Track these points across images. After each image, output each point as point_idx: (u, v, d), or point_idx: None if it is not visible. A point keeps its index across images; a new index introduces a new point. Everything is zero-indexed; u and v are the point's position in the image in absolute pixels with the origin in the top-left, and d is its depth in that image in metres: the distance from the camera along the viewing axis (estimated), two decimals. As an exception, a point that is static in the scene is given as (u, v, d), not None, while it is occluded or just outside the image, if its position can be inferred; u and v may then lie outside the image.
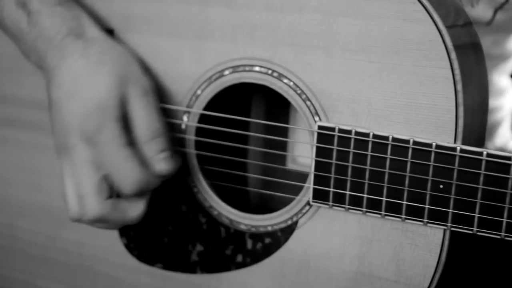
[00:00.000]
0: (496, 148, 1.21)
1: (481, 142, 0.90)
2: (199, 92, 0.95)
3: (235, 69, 0.92)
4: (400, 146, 0.84)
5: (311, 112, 0.88)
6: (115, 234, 1.04)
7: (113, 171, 0.87)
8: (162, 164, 0.89)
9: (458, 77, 0.81)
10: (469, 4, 1.00)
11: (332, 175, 0.88)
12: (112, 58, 0.91)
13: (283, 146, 1.03)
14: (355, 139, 0.86)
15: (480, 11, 1.02)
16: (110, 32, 0.98)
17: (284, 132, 1.03)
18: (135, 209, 0.91)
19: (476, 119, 0.87)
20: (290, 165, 1.04)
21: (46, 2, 0.93)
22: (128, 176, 0.87)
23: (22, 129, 1.10)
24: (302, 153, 1.02)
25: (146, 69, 0.96)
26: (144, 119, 0.89)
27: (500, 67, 1.18)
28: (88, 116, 0.87)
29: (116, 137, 0.87)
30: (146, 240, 1.02)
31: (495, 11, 1.02)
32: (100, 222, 0.91)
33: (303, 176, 0.93)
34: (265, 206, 1.03)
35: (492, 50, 1.12)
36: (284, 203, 0.94)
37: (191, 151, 0.97)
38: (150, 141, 0.89)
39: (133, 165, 0.87)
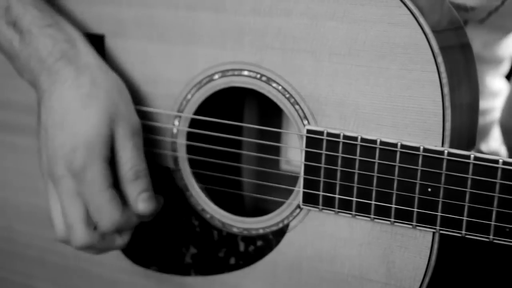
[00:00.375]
0: (490, 150, 1.21)
1: (471, 145, 0.90)
2: (189, 96, 0.95)
3: (224, 73, 0.92)
4: (388, 150, 0.84)
5: (299, 116, 0.89)
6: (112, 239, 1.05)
7: (94, 209, 0.89)
8: (143, 204, 0.90)
9: (444, 80, 0.81)
10: (462, 10, 1.00)
11: (322, 179, 0.88)
12: (104, 92, 0.90)
13: (276, 149, 1.03)
14: (344, 142, 0.86)
15: (474, 15, 1.01)
16: (100, 37, 0.98)
17: (278, 136, 1.03)
18: (122, 239, 0.94)
19: (466, 122, 0.86)
20: (284, 166, 1.05)
21: (36, 23, 0.93)
22: (107, 217, 0.89)
23: (19, 133, 1.11)
24: (295, 156, 1.02)
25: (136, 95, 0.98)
26: (130, 160, 0.90)
27: (494, 68, 1.17)
28: (75, 151, 0.87)
29: (101, 178, 0.88)
30: (141, 243, 1.03)
31: (489, 13, 1.01)
32: (87, 250, 0.93)
33: (296, 179, 0.93)
34: (259, 209, 1.03)
35: (485, 51, 1.12)
36: (278, 205, 0.94)
37: (183, 155, 0.98)
38: (134, 181, 0.90)
39: (114, 207, 0.89)
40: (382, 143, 0.84)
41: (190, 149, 0.97)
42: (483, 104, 1.14)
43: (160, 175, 0.99)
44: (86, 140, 0.87)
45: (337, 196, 0.87)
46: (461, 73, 0.86)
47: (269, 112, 1.02)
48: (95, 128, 0.88)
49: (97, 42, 0.99)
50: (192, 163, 0.98)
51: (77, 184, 0.88)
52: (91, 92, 0.89)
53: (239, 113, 1.04)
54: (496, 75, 1.19)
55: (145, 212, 0.90)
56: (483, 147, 1.19)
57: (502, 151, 1.24)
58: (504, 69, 1.21)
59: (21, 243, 1.14)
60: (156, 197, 0.93)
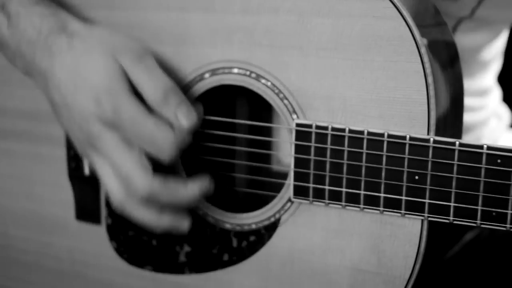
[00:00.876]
0: None
1: (457, 135, 0.92)
2: (181, 96, 0.97)
3: (214, 72, 0.95)
4: (375, 140, 0.86)
5: (288, 110, 0.91)
6: (105, 238, 1.06)
7: (146, 141, 0.86)
8: (185, 117, 0.87)
9: (428, 70, 0.83)
10: (451, 0, 1.02)
11: (311, 171, 0.90)
12: (97, 41, 0.90)
13: (267, 144, 1.05)
14: (332, 134, 0.88)
15: (463, 5, 1.03)
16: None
17: (268, 131, 1.05)
18: (188, 190, 0.90)
19: (451, 112, 0.89)
20: (276, 164, 1.07)
21: (25, 2, 0.93)
22: (163, 142, 0.85)
23: (14, 139, 1.12)
24: (285, 150, 1.04)
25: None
26: (149, 82, 0.87)
27: (484, 67, 1.20)
28: (100, 101, 0.86)
29: (136, 109, 0.86)
30: (135, 243, 1.04)
31: (479, 2, 1.02)
32: (151, 202, 0.88)
33: (286, 174, 0.95)
34: (252, 204, 1.05)
35: (476, 54, 1.14)
36: (270, 200, 0.96)
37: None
38: (164, 100, 0.87)
39: (164, 127, 0.86)
40: (369, 133, 0.86)
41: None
42: (473, 101, 1.17)
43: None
44: (104, 86, 0.87)
45: (327, 187, 0.89)
46: (446, 65, 0.88)
47: (259, 108, 1.04)
48: (105, 72, 0.87)
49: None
50: (184, 162, 1.00)
51: (118, 131, 0.87)
52: (86, 48, 0.89)
53: (230, 111, 1.06)
54: (486, 74, 1.21)
55: (190, 125, 0.87)
56: None
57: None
58: (495, 67, 1.24)
59: (17, 248, 1.15)
60: (195, 106, 0.90)
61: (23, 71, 0.96)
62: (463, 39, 0.99)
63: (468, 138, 1.18)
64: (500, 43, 1.20)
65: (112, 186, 0.89)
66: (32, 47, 0.92)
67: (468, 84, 1.11)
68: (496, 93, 1.29)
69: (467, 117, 1.09)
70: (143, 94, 0.87)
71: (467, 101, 0.97)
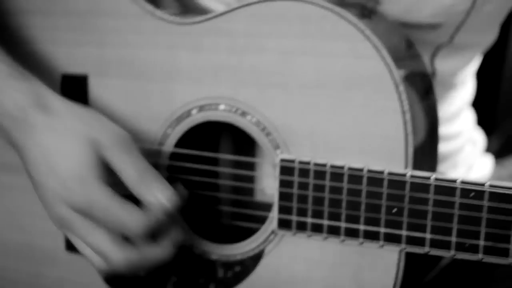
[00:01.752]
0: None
1: (433, 164, 0.96)
2: (169, 131, 1.01)
3: (201, 108, 0.98)
4: (355, 175, 0.90)
5: (273, 146, 0.95)
6: (94, 269, 1.09)
7: (113, 221, 0.87)
8: (161, 195, 0.88)
9: (406, 107, 0.88)
10: (430, 29, 1.05)
11: (295, 205, 0.93)
12: (75, 123, 0.90)
13: (251, 179, 1.09)
14: (314, 169, 0.92)
15: (443, 33, 1.07)
16: (84, 77, 1.04)
17: (253, 165, 1.09)
18: (161, 247, 0.92)
19: (427, 144, 0.93)
20: (259, 197, 1.10)
21: (2, 75, 0.92)
22: (129, 219, 0.87)
23: (1, 171, 1.15)
24: (269, 184, 1.08)
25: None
26: (130, 166, 0.89)
27: (455, 89, 1.22)
28: (71, 189, 0.87)
29: (108, 198, 0.87)
30: (123, 275, 1.06)
31: (457, 28, 1.06)
32: (134, 268, 0.91)
33: (270, 206, 0.98)
34: (238, 235, 1.08)
35: (454, 78, 1.17)
36: (255, 231, 0.99)
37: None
38: (140, 178, 0.88)
39: (130, 209, 0.87)
40: (349, 168, 0.90)
41: (170, 182, 1.02)
42: (447, 129, 1.20)
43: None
44: (75, 174, 0.88)
45: (309, 220, 0.93)
46: (422, 96, 0.93)
47: (244, 143, 1.08)
48: (78, 157, 0.88)
49: (80, 82, 1.05)
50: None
51: (90, 218, 0.88)
52: (65, 130, 0.90)
53: (215, 145, 1.10)
54: (457, 95, 1.24)
55: (167, 204, 0.88)
56: (452, 172, 1.25)
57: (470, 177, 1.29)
58: (467, 88, 1.26)
59: (8, 280, 1.16)
60: (176, 187, 0.91)
61: (7, 142, 0.95)
62: (441, 65, 1.01)
63: (444, 166, 1.22)
64: (472, 66, 1.23)
65: (92, 260, 0.92)
66: (11, 122, 0.91)
67: (443, 108, 1.15)
68: (470, 117, 1.32)
69: (443, 147, 1.13)
70: (121, 179, 0.89)
71: (442, 129, 1.00)
